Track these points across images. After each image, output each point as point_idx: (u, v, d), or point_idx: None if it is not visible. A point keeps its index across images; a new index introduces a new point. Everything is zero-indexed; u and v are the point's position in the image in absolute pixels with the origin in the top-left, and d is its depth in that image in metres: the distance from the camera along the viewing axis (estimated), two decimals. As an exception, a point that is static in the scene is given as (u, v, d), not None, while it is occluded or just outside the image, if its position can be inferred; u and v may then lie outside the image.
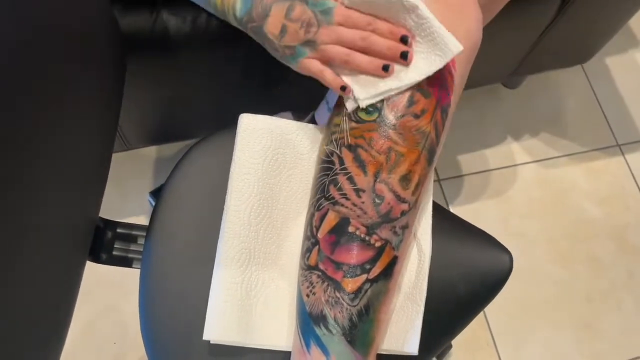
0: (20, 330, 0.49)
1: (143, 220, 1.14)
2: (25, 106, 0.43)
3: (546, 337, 1.13)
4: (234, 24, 0.56)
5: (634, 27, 1.43)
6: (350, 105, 0.53)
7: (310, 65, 0.54)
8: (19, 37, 0.42)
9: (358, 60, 0.52)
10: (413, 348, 0.54)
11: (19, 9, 0.42)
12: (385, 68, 0.51)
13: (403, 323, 0.55)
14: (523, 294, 1.16)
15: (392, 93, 0.51)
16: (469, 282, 0.59)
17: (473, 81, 1.15)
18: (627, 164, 1.29)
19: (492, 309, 1.14)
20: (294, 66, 0.56)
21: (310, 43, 0.53)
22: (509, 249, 0.60)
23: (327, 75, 0.54)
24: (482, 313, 1.13)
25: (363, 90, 0.52)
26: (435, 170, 1.24)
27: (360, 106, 0.52)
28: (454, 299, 0.59)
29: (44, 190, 0.47)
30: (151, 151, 1.21)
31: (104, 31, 0.56)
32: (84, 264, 0.61)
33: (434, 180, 1.22)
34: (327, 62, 0.54)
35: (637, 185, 1.28)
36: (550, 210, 1.24)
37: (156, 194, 1.12)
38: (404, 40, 0.51)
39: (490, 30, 0.70)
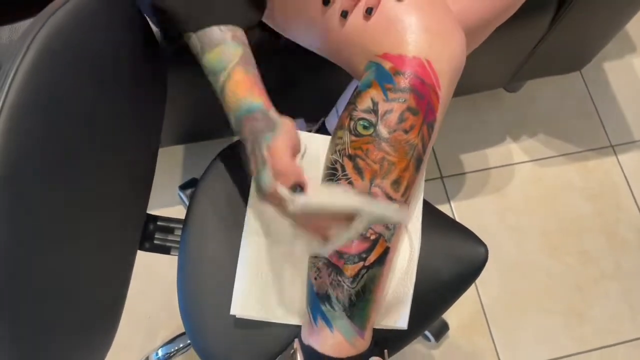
0: (96, 303, 0.60)
1: (172, 211, 1.22)
2: (102, 130, 0.54)
3: (537, 322, 1.19)
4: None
5: (632, 33, 1.45)
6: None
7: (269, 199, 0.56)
8: (94, 86, 0.53)
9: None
10: (403, 323, 0.64)
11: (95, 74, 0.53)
12: None
13: (395, 303, 0.65)
14: (517, 283, 1.21)
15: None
16: (451, 269, 0.69)
17: (475, 87, 1.22)
18: (620, 163, 1.33)
19: (488, 295, 1.20)
20: None
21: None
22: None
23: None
24: (478, 299, 1.20)
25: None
26: (438, 168, 1.30)
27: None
28: (439, 283, 0.69)
29: (114, 193, 0.59)
30: (178, 149, 1.29)
31: (153, 68, 0.66)
32: (136, 252, 0.72)
33: (437, 178, 1.30)
34: None
35: (628, 183, 1.31)
36: (545, 206, 1.28)
37: (184, 187, 1.22)
38: None
39: (488, 42, 0.75)
